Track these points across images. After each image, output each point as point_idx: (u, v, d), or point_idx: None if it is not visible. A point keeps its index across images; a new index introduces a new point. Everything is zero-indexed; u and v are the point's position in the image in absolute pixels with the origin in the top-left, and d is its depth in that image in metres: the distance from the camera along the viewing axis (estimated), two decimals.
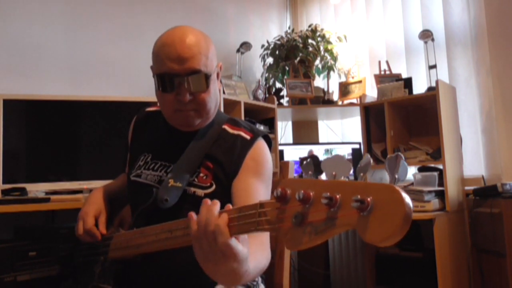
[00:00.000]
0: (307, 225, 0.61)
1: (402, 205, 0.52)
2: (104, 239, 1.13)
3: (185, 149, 1.14)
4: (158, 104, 1.17)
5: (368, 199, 0.54)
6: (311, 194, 0.61)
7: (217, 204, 0.78)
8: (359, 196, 0.55)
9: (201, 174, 1.11)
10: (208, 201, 0.79)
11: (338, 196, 0.58)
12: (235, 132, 1.18)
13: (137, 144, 1.28)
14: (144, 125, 1.29)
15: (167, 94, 1.08)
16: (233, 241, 0.74)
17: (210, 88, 1.10)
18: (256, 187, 1.11)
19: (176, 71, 1.06)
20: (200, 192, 1.10)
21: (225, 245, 0.74)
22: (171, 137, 1.19)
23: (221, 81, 2.73)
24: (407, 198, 0.53)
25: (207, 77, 1.08)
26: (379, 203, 0.54)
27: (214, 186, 1.10)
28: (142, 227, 1.02)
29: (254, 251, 0.93)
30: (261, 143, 1.17)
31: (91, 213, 1.16)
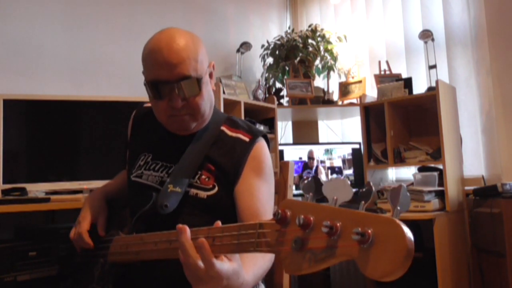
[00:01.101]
0: (307, 251, 0.60)
1: (403, 241, 0.51)
2: (103, 242, 1.12)
3: (184, 152, 1.13)
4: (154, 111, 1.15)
5: (369, 231, 0.53)
6: (312, 219, 0.60)
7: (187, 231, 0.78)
8: (359, 229, 0.54)
9: (203, 176, 1.10)
10: (182, 227, 0.78)
11: (338, 225, 0.57)
12: (234, 134, 1.17)
13: (136, 141, 1.27)
14: (143, 121, 1.28)
15: (160, 101, 1.07)
16: (217, 262, 0.75)
17: (202, 91, 1.08)
18: (259, 187, 1.10)
19: (165, 78, 1.03)
20: (203, 194, 1.09)
21: (209, 265, 0.75)
22: (170, 138, 1.18)
23: (220, 81, 2.74)
24: (409, 233, 0.52)
25: (198, 80, 1.06)
26: (380, 236, 0.53)
27: (216, 188, 1.09)
28: (142, 231, 1.01)
29: (253, 257, 0.92)
30: (260, 144, 1.16)
31: (88, 218, 1.15)
